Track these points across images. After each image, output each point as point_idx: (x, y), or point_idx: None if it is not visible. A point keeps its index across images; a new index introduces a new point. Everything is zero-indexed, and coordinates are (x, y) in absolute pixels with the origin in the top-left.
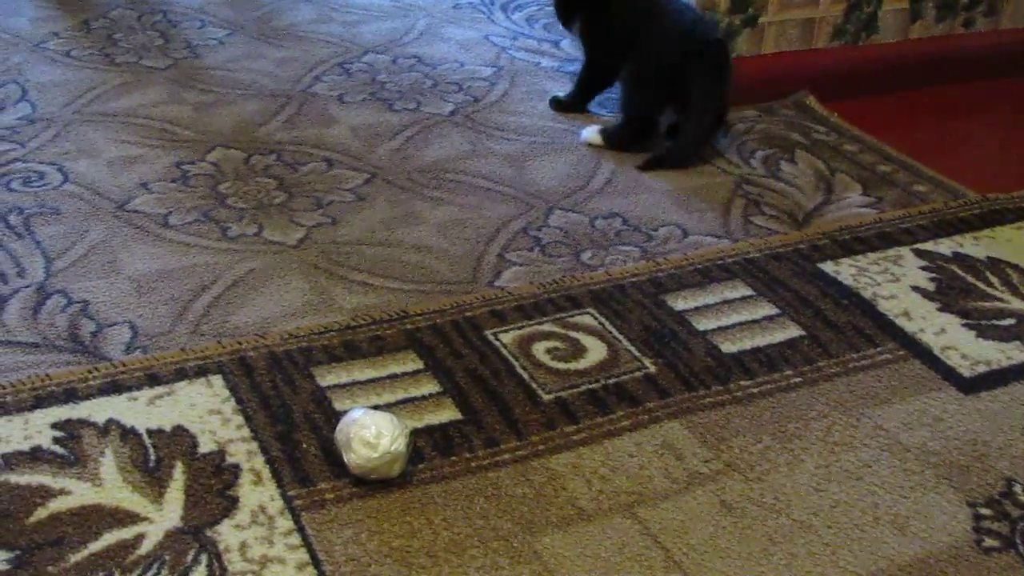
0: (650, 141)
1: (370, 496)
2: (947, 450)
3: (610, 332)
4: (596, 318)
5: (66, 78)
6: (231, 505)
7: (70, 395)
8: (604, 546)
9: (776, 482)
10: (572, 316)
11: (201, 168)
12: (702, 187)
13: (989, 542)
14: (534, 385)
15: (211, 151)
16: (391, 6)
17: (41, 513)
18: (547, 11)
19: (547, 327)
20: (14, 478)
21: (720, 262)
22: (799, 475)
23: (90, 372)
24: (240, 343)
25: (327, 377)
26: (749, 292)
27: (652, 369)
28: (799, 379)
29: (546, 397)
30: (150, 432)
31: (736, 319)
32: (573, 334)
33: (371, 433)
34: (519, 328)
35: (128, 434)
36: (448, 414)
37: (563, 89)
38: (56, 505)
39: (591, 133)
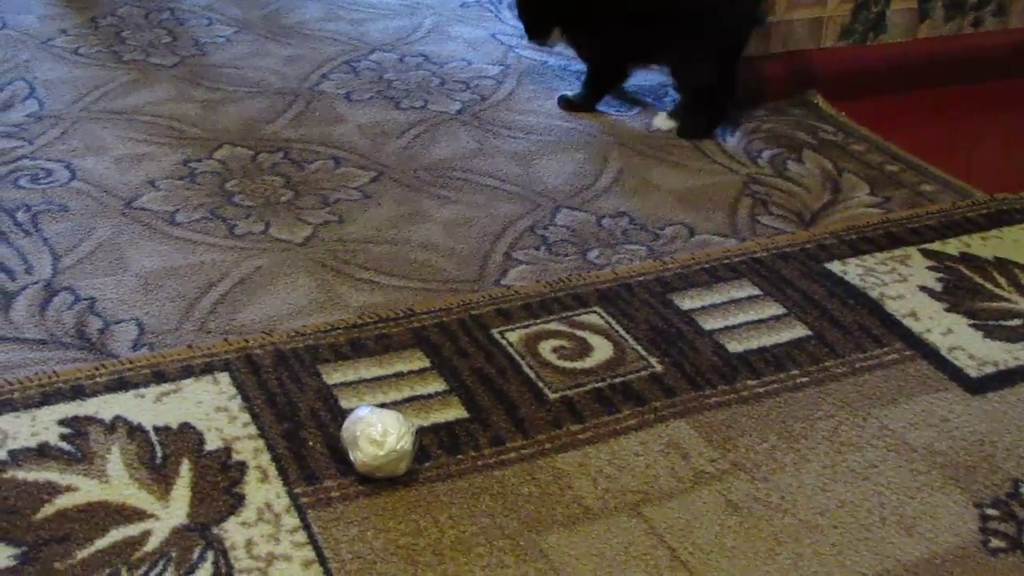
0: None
1: (376, 494)
2: (954, 450)
3: (616, 331)
4: (603, 317)
5: (74, 75)
6: (237, 502)
7: (77, 392)
8: (610, 545)
9: (782, 482)
10: (579, 315)
11: (208, 166)
12: (709, 186)
13: (996, 543)
14: (540, 384)
15: (218, 149)
16: (398, 4)
17: (48, 510)
18: None
19: (553, 326)
20: (21, 474)
21: (727, 261)
22: (805, 475)
23: (97, 369)
24: (247, 341)
25: (333, 375)
26: (756, 292)
27: (658, 368)
28: (806, 379)
29: (552, 396)
30: (157, 429)
31: (743, 319)
32: (579, 333)
33: (377, 431)
34: (525, 327)
35: (135, 431)
36: (454, 412)
37: (571, 88)
38: (63, 502)
39: (661, 120)
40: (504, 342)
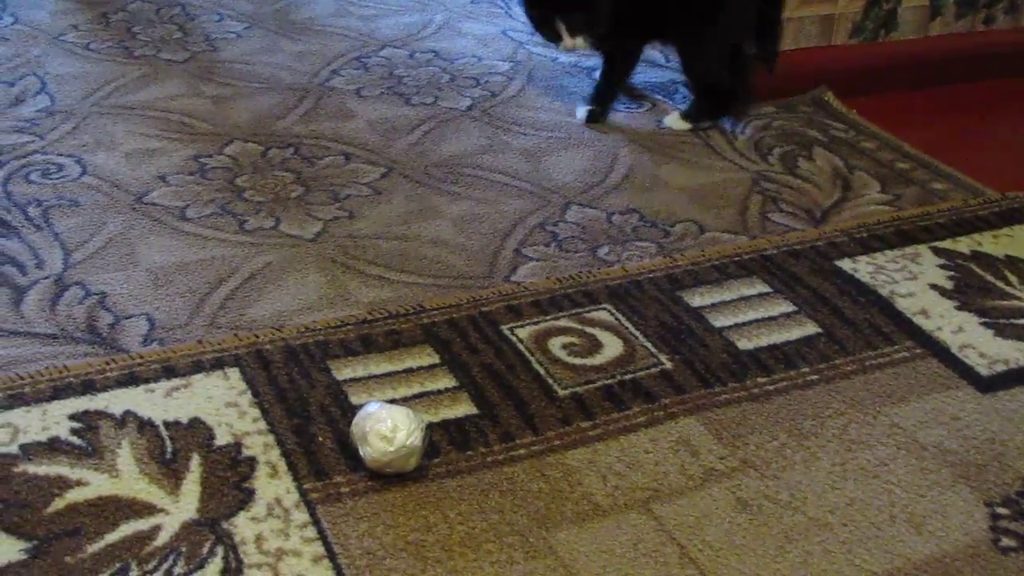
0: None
1: (386, 490)
2: (964, 449)
3: (626, 328)
4: (612, 314)
5: (85, 71)
6: (247, 497)
7: (88, 386)
8: (619, 542)
9: (792, 479)
10: (588, 312)
11: (219, 161)
12: (719, 183)
13: (1006, 542)
14: (550, 380)
15: (229, 144)
16: (409, 0)
17: (58, 504)
18: None
19: (563, 322)
20: (32, 468)
21: (737, 259)
22: (815, 473)
23: (107, 364)
24: (257, 336)
25: (343, 371)
26: (766, 289)
27: (668, 365)
28: (816, 376)
29: (562, 393)
30: (167, 424)
31: (753, 316)
32: (589, 330)
33: (387, 427)
34: (535, 323)
35: (145, 426)
36: (464, 409)
37: (578, 85)
38: (73, 496)
39: (673, 120)
40: (514, 338)
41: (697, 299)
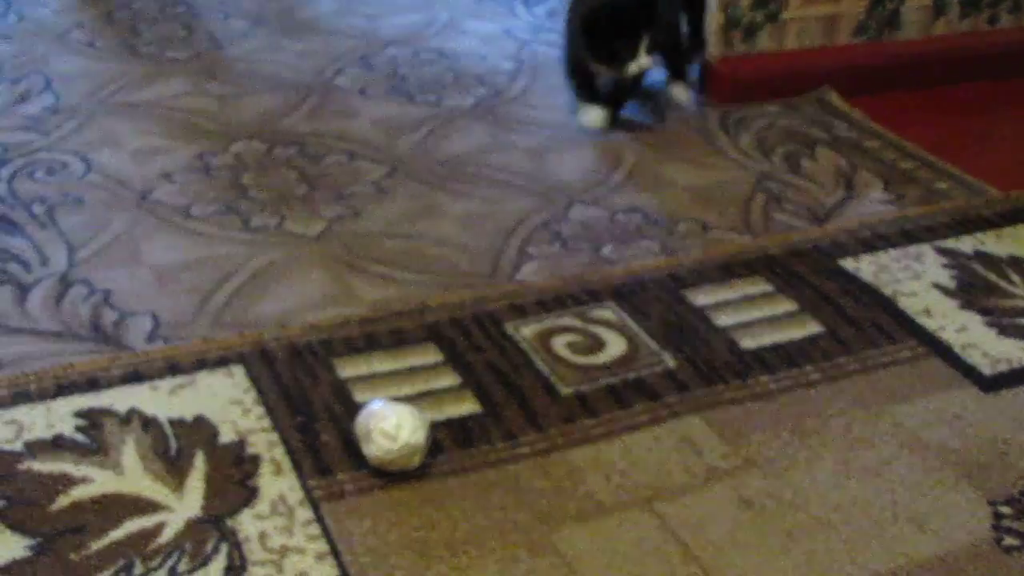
0: None
1: (389, 487)
2: (967, 448)
3: (630, 327)
4: (616, 312)
5: (89, 69)
6: (251, 495)
7: (92, 384)
8: (622, 540)
9: (795, 478)
10: (592, 310)
11: (223, 159)
12: (723, 182)
13: (1009, 541)
14: (553, 379)
15: (233, 143)
16: None
17: (63, 501)
18: None
19: (567, 321)
20: (36, 465)
21: (740, 258)
22: (818, 471)
23: (112, 361)
24: (261, 334)
25: (347, 369)
26: (769, 288)
27: (672, 364)
28: (819, 375)
29: (565, 391)
30: (171, 421)
31: (756, 315)
32: (593, 328)
33: (391, 425)
34: (539, 322)
35: (149, 423)
36: (467, 407)
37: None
38: (78, 493)
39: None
40: (517, 337)
41: (700, 298)
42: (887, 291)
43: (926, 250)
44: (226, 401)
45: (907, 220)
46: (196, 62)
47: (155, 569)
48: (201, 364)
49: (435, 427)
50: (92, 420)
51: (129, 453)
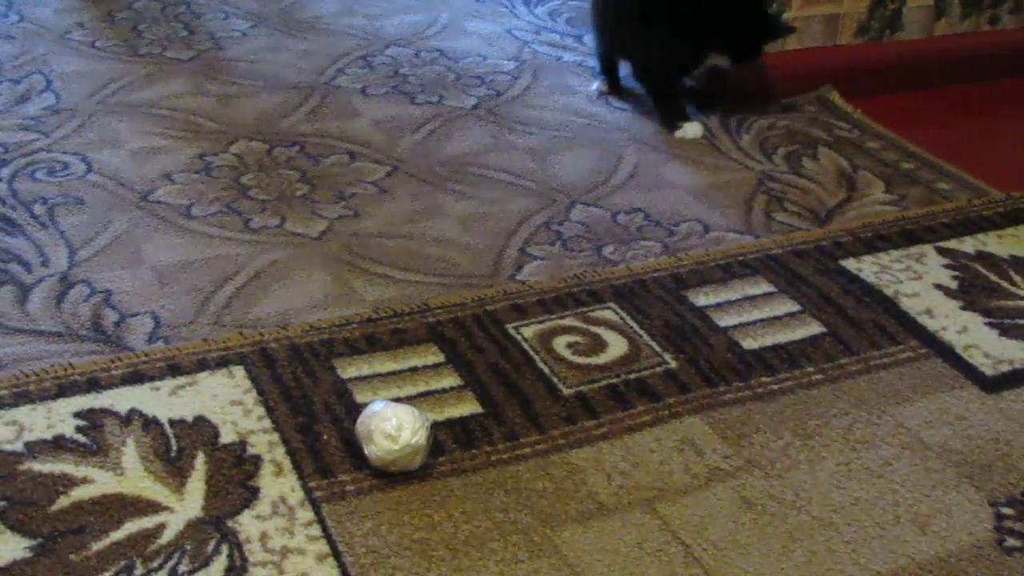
0: None
1: (390, 488)
2: (969, 449)
3: (631, 327)
4: (617, 313)
5: (90, 69)
6: (252, 496)
7: (93, 384)
8: (624, 541)
9: (797, 479)
10: (593, 311)
11: (224, 160)
12: (724, 183)
13: (1011, 542)
14: (555, 379)
15: (234, 143)
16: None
17: (63, 501)
18: (570, 5)
19: (568, 321)
20: (37, 466)
21: (742, 258)
22: (820, 472)
23: (113, 362)
24: (262, 334)
25: (348, 369)
26: (771, 289)
27: (673, 365)
28: (820, 376)
29: (566, 392)
30: (172, 422)
31: (757, 315)
32: (594, 329)
33: (392, 425)
34: (540, 322)
35: (150, 424)
36: (469, 407)
37: (583, 84)
38: (78, 494)
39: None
40: (519, 337)
41: (702, 298)
42: (889, 291)
43: (928, 250)
44: (227, 402)
45: (909, 220)
46: (197, 62)
47: (156, 570)
48: (202, 365)
49: (436, 428)
50: (93, 421)
51: (130, 454)
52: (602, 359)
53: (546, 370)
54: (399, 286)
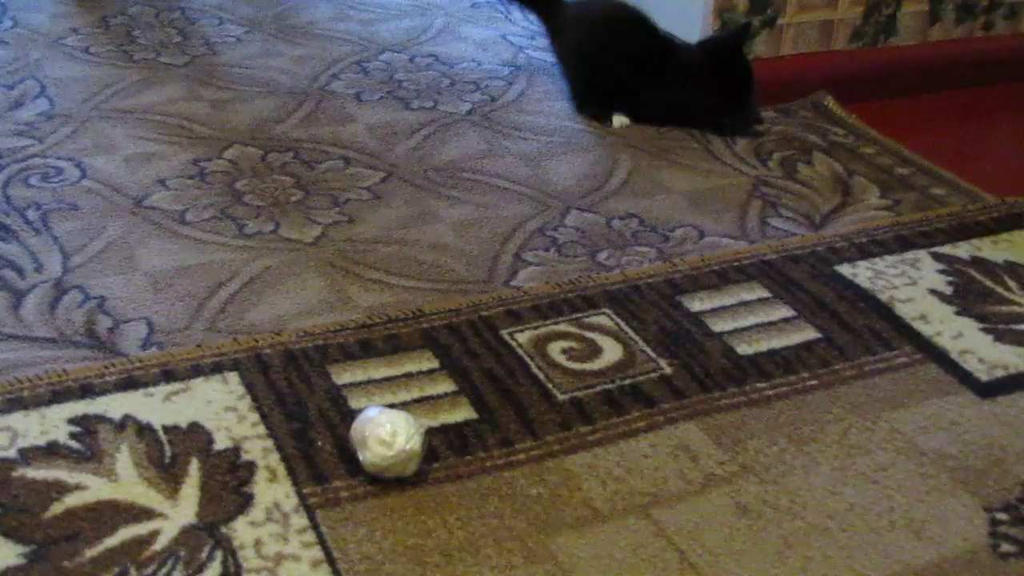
0: None
1: (385, 494)
2: (964, 454)
3: (626, 333)
4: (612, 319)
5: (84, 74)
6: (246, 502)
7: (86, 390)
8: (619, 547)
9: (792, 485)
10: (588, 316)
11: (218, 165)
12: (719, 188)
13: (1006, 547)
14: (549, 385)
15: (228, 148)
16: (409, 5)
17: (57, 508)
18: None
19: (563, 327)
20: (30, 473)
21: (737, 264)
22: (815, 478)
23: (106, 368)
24: (256, 340)
25: (342, 375)
26: (766, 294)
27: (668, 370)
28: (815, 382)
29: (561, 397)
30: (166, 428)
31: (752, 321)
32: (589, 334)
33: (386, 431)
34: (535, 328)
35: (144, 430)
36: (463, 413)
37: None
38: (72, 500)
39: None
40: (513, 343)
41: (697, 304)
42: (883, 297)
43: (922, 256)
44: (221, 408)
45: (903, 226)
46: (191, 68)
47: None
48: (196, 371)
49: (431, 434)
50: (86, 427)
51: (123, 460)
52: (597, 365)
53: (541, 376)
54: (394, 292)
